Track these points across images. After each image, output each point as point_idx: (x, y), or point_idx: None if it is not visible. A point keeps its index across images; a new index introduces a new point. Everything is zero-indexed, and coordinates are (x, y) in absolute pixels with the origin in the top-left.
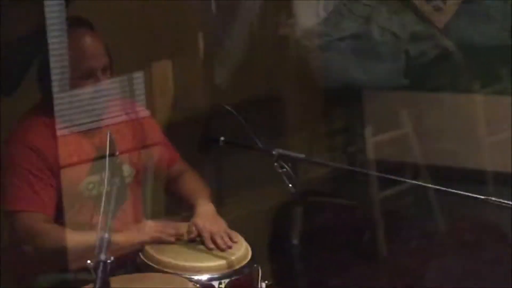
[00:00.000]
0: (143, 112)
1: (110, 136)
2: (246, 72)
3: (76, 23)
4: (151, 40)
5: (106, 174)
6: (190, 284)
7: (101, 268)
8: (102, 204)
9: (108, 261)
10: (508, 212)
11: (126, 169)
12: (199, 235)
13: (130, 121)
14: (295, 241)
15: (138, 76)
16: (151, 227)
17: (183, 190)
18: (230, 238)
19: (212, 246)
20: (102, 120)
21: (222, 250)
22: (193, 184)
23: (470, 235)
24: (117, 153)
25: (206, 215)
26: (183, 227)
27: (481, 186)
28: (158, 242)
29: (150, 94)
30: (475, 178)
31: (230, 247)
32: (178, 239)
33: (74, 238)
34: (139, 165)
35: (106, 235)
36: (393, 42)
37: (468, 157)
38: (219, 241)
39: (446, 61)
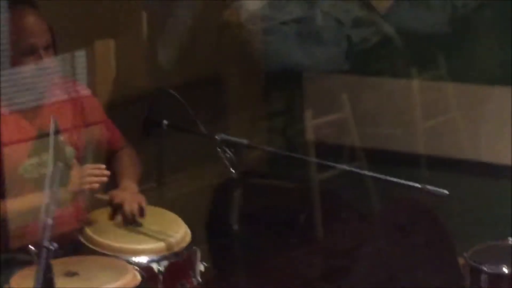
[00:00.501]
0: (86, 92)
1: (53, 121)
2: (189, 54)
3: (16, 2)
4: (93, 19)
5: (50, 159)
6: (131, 268)
7: (44, 254)
8: (46, 189)
9: (51, 247)
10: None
11: (68, 150)
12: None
13: (72, 101)
14: (233, 222)
15: (80, 55)
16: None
17: (116, 169)
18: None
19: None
20: (43, 100)
21: (129, 218)
22: (124, 164)
23: (404, 218)
24: (61, 137)
25: (125, 189)
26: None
27: (415, 169)
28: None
29: (91, 73)
30: (410, 161)
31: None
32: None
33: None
34: (80, 145)
35: (49, 221)
36: (336, 27)
37: (404, 141)
38: (127, 208)
39: (386, 46)
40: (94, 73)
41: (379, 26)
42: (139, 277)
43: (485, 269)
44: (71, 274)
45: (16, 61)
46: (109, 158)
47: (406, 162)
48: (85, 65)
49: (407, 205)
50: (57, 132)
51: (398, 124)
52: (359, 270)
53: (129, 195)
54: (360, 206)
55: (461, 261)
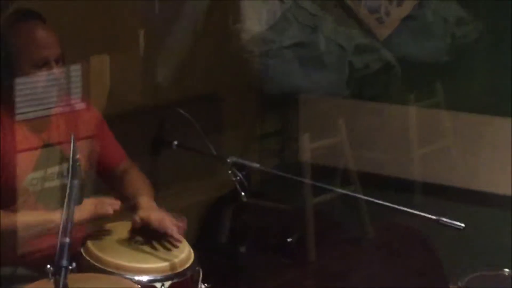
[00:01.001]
0: (91, 107)
1: (73, 137)
2: (187, 72)
3: (27, 16)
4: (90, 35)
5: (69, 177)
6: (137, 287)
7: (62, 274)
8: (64, 208)
9: (70, 267)
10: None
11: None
12: (146, 225)
13: (77, 115)
14: (222, 241)
15: (75, 70)
16: (87, 204)
17: (127, 189)
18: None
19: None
20: (50, 113)
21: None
22: (137, 183)
23: (397, 243)
24: (78, 155)
25: (150, 209)
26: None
27: (409, 195)
28: (97, 217)
29: (85, 89)
30: (404, 187)
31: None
32: (116, 213)
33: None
34: (84, 160)
35: (67, 240)
36: (338, 53)
37: (399, 166)
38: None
39: (385, 73)
40: (88, 86)
41: (380, 53)
42: None
43: None
44: None
45: (26, 73)
46: (110, 174)
47: (402, 187)
48: (79, 79)
49: (400, 231)
50: (75, 150)
51: (395, 150)
52: None
53: (167, 217)
54: (353, 231)
55: None
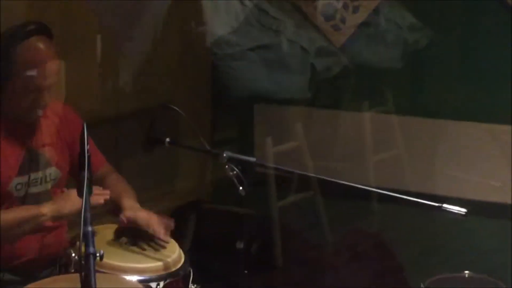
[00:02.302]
0: (73, 114)
1: (84, 128)
2: (143, 79)
3: (34, 33)
4: None
5: (85, 168)
6: (141, 286)
7: (91, 260)
8: (84, 199)
9: (97, 254)
10: (393, 224)
11: (54, 172)
12: (133, 225)
13: (59, 122)
14: (186, 248)
15: None
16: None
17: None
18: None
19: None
20: (34, 120)
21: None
22: (118, 187)
23: (356, 249)
24: (88, 146)
25: (135, 209)
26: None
27: (365, 202)
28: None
29: None
30: (359, 194)
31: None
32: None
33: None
34: (65, 167)
35: (90, 228)
36: (301, 55)
37: (354, 173)
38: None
39: (343, 78)
40: None
41: (339, 57)
42: None
43: None
44: None
45: (15, 89)
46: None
47: (356, 194)
48: None
49: (358, 236)
50: (86, 140)
51: (350, 157)
52: None
53: (154, 216)
54: (312, 236)
55: None
